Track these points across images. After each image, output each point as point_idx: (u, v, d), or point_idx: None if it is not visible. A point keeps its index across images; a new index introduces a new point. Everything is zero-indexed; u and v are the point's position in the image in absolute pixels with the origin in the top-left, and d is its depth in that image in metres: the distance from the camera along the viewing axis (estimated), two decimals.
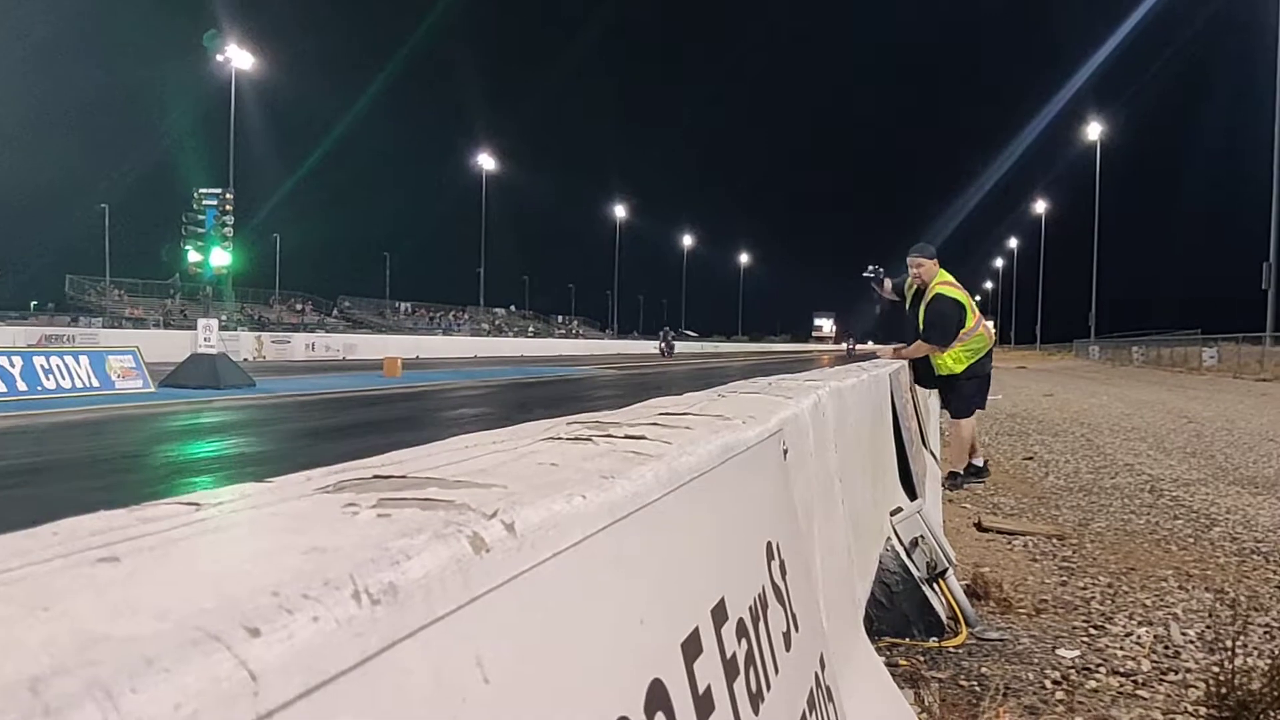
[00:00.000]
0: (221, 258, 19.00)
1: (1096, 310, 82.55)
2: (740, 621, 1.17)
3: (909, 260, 8.32)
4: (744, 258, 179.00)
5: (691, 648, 0.98)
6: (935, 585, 4.23)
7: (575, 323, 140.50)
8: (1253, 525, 7.04)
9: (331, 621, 0.50)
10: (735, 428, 1.45)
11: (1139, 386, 32.58)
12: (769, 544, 1.45)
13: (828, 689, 1.66)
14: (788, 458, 1.74)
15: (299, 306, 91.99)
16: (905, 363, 7.90)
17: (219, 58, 62.31)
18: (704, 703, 0.97)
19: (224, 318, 65.00)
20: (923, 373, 8.44)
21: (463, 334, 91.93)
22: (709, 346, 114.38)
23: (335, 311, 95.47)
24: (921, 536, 4.21)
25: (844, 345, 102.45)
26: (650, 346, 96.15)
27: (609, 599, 0.83)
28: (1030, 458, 10.79)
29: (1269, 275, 45.03)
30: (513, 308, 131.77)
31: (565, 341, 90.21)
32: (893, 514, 4.31)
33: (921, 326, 8.16)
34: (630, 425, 1.30)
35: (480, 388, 24.32)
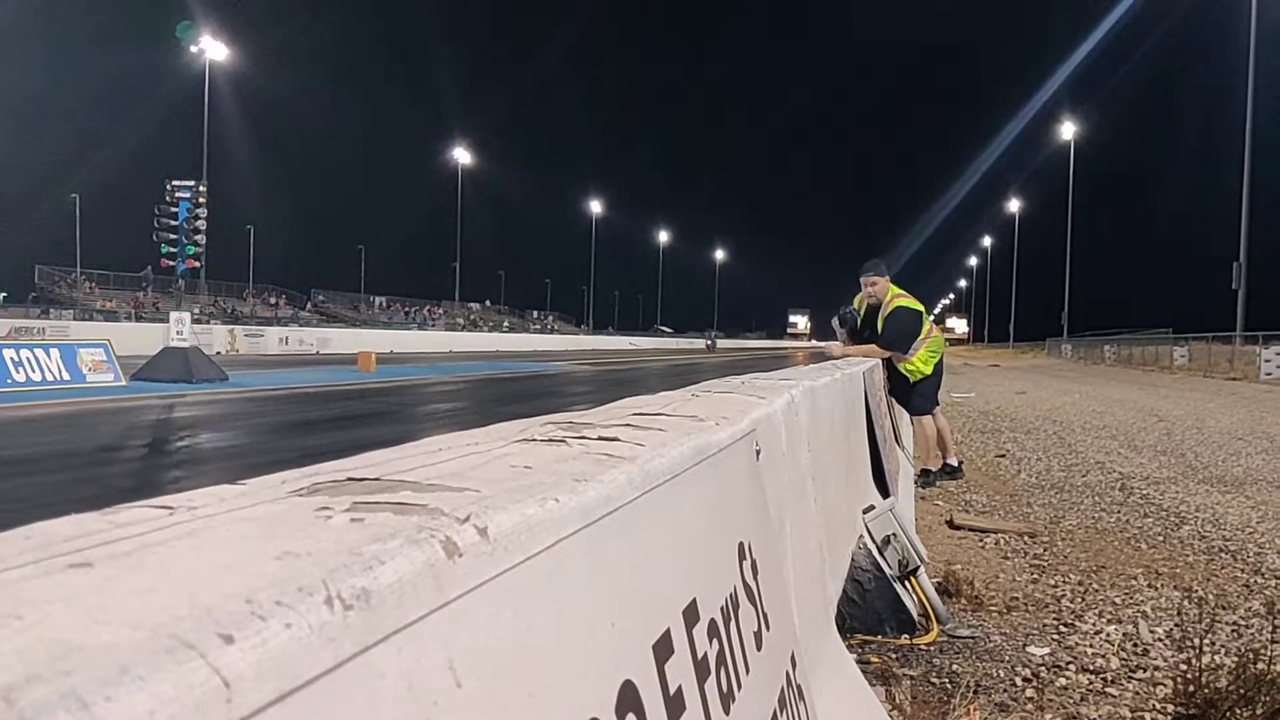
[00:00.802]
0: (195, 251, 18.90)
1: (1069, 309, 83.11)
2: (712, 622, 1.18)
3: (863, 279, 8.71)
4: (720, 255, 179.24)
5: (663, 649, 0.98)
6: (907, 583, 4.25)
7: (550, 318, 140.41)
8: (1221, 524, 7.12)
9: (305, 628, 0.51)
10: (708, 429, 1.46)
11: (1111, 385, 32.84)
12: (741, 544, 1.46)
13: (799, 688, 1.67)
14: (760, 458, 1.75)
15: (273, 300, 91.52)
16: (879, 362, 7.97)
17: (193, 49, 61.95)
18: (675, 703, 0.97)
19: (197, 311, 64.73)
20: (895, 383, 8.60)
21: (438, 329, 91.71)
22: (684, 343, 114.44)
23: (309, 305, 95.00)
24: (894, 534, 4.24)
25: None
26: (625, 343, 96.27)
27: (581, 602, 0.83)
28: (1003, 455, 10.87)
29: (1238, 275, 45.43)
30: (488, 303, 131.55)
31: (540, 337, 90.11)
32: (865, 512, 4.33)
33: (882, 335, 8.40)
34: (604, 426, 1.31)
35: (455, 383, 24.26)
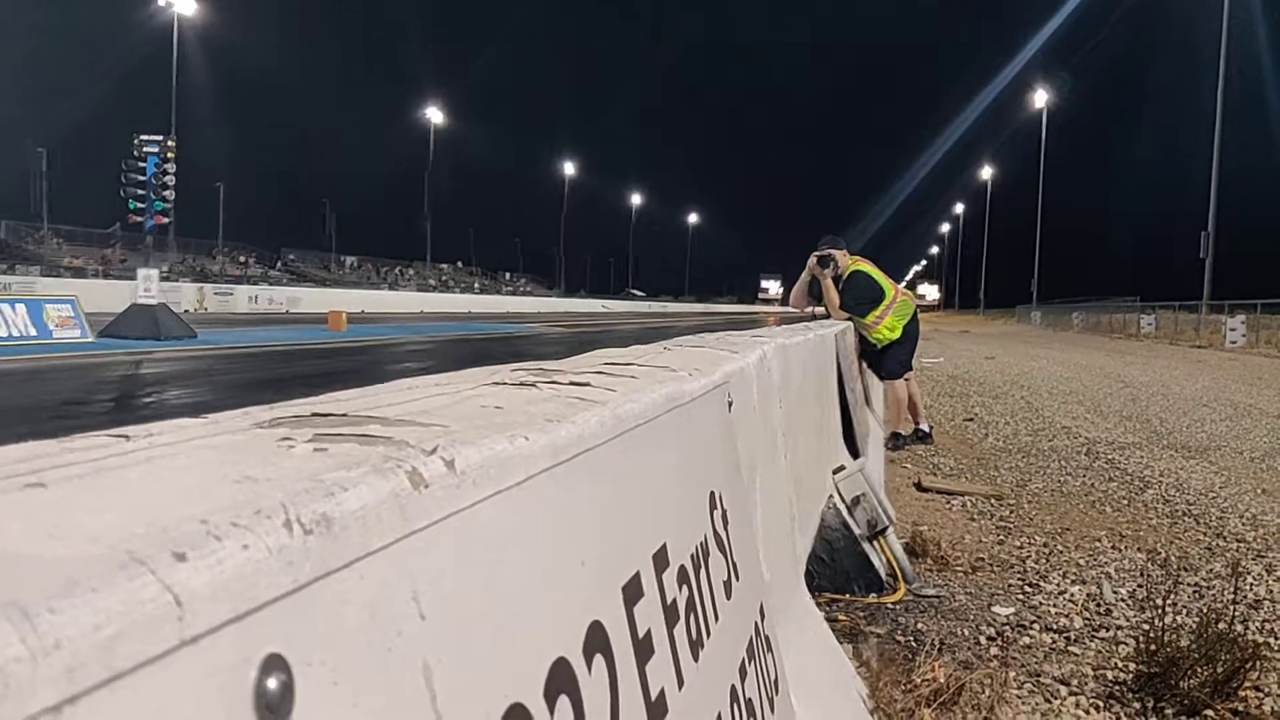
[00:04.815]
0: (163, 208, 18.67)
1: (1039, 276, 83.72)
2: (682, 568, 1.17)
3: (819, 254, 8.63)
4: (692, 218, 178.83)
5: (632, 591, 0.98)
6: (875, 543, 4.28)
7: (522, 280, 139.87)
8: (1185, 488, 7.20)
9: (262, 549, 0.49)
10: (680, 379, 1.45)
11: (1079, 351, 33.13)
12: (712, 494, 1.45)
13: (767, 639, 1.67)
14: (732, 410, 1.74)
15: (242, 259, 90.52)
16: (850, 325, 7.98)
17: (160, 2, 60.91)
18: (644, 646, 0.97)
19: (165, 269, 64.03)
20: (866, 348, 8.63)
21: (409, 289, 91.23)
22: (655, 306, 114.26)
23: (279, 264, 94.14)
24: (863, 494, 4.26)
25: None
26: (598, 305, 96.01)
27: (550, 539, 0.82)
28: (970, 419, 10.95)
29: (1206, 245, 45.82)
30: (459, 264, 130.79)
31: (512, 299, 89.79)
32: (836, 472, 4.35)
33: (842, 301, 8.43)
34: (575, 373, 1.30)
35: (427, 342, 24.15)
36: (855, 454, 5.39)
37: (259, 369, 15.59)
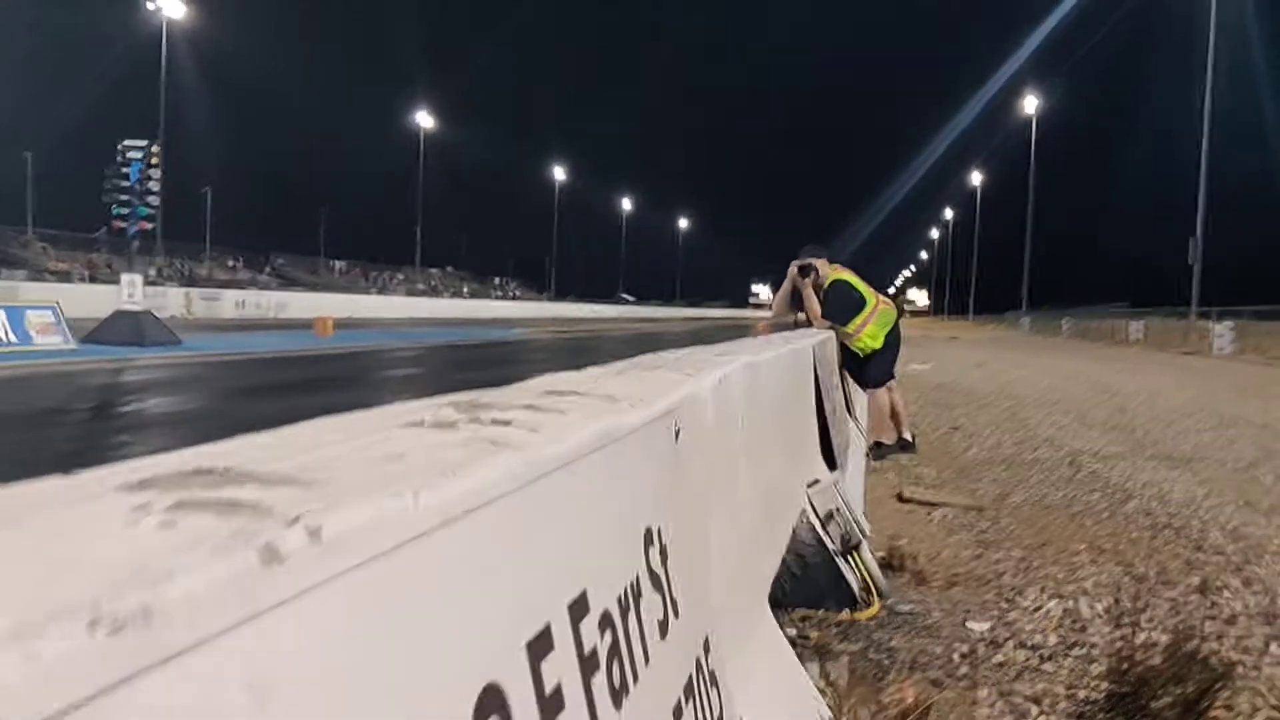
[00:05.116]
0: (147, 213, 18.57)
1: (1030, 281, 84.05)
2: (605, 613, 1.14)
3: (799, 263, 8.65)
4: (684, 223, 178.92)
5: (540, 645, 0.94)
6: (849, 558, 4.25)
7: (512, 284, 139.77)
8: (1167, 500, 7.19)
9: (55, 653, 0.46)
10: (620, 411, 1.41)
11: (1067, 358, 33.26)
12: (649, 530, 1.42)
13: (712, 674, 1.64)
14: (680, 439, 1.71)
15: (230, 263, 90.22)
16: (831, 335, 7.96)
17: (149, 5, 60.79)
18: (552, 702, 0.93)
19: (153, 273, 63.85)
20: (848, 358, 8.60)
21: (398, 294, 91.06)
22: (645, 311, 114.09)
23: (268, 269, 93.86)
24: (837, 509, 4.24)
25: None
26: (588, 311, 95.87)
27: (437, 603, 0.79)
28: (955, 429, 10.94)
29: (1194, 251, 45.98)
30: (449, 268, 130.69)
31: (501, 304, 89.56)
32: (811, 485, 4.32)
33: (823, 310, 8.42)
34: (503, 409, 1.26)
35: (413, 349, 24.10)
36: (833, 465, 5.37)
37: (243, 377, 15.53)
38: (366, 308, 53.54)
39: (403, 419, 1.18)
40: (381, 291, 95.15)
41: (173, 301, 39.05)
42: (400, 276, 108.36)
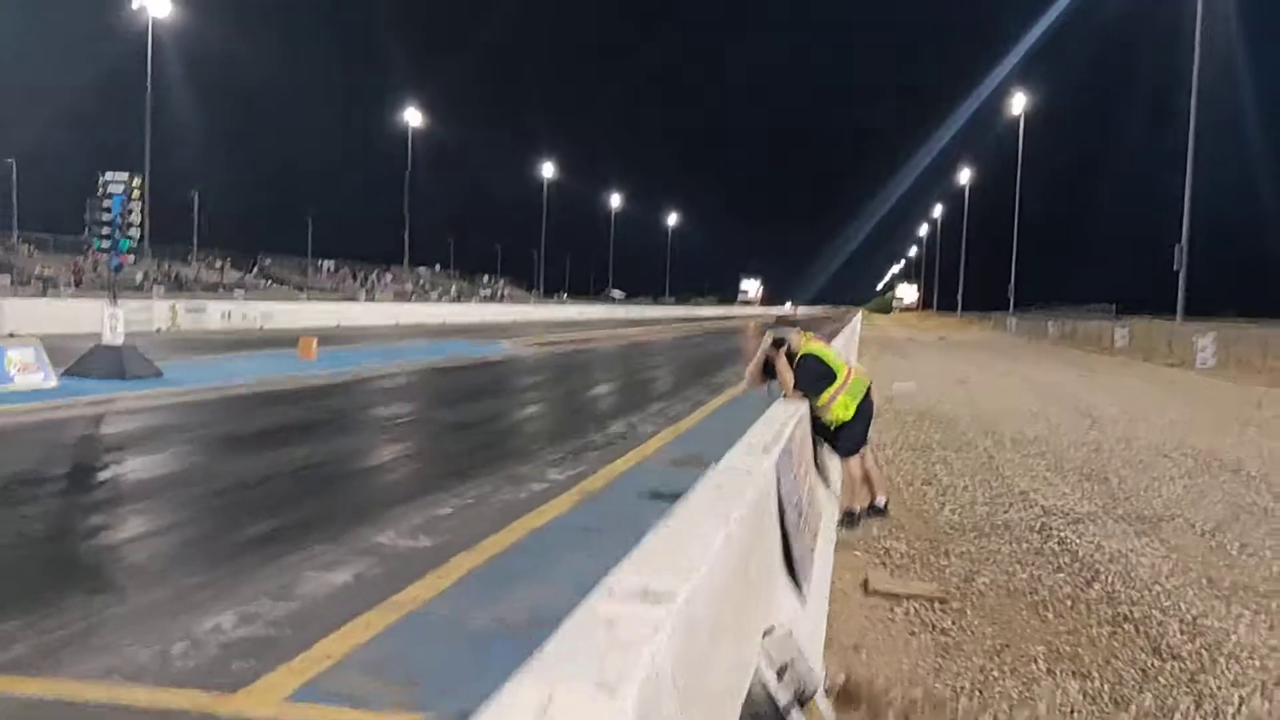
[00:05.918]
0: (130, 246, 18.58)
1: (1018, 279, 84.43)
2: None
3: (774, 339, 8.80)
4: (673, 219, 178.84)
5: None
6: (804, 709, 4.31)
7: (501, 283, 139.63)
8: (1131, 579, 7.29)
9: None
10: None
11: (1053, 366, 33.77)
12: None
13: None
14: None
15: (218, 264, 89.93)
16: (805, 412, 8.00)
17: (134, 5, 60.45)
18: None
19: (140, 276, 63.52)
20: (819, 427, 8.67)
21: (386, 295, 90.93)
22: (634, 311, 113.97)
23: (255, 269, 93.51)
24: (792, 660, 4.29)
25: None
26: (575, 312, 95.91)
27: None
28: (929, 484, 11.00)
29: (1180, 258, 46.23)
30: (438, 267, 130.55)
31: (488, 307, 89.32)
32: (765, 635, 4.37)
33: (796, 382, 8.51)
34: None
35: (399, 375, 24.22)
36: (796, 580, 5.42)
37: (226, 421, 15.59)
38: (353, 316, 53.59)
39: None
40: (370, 293, 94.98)
41: (159, 315, 39.00)
42: (389, 277, 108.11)
